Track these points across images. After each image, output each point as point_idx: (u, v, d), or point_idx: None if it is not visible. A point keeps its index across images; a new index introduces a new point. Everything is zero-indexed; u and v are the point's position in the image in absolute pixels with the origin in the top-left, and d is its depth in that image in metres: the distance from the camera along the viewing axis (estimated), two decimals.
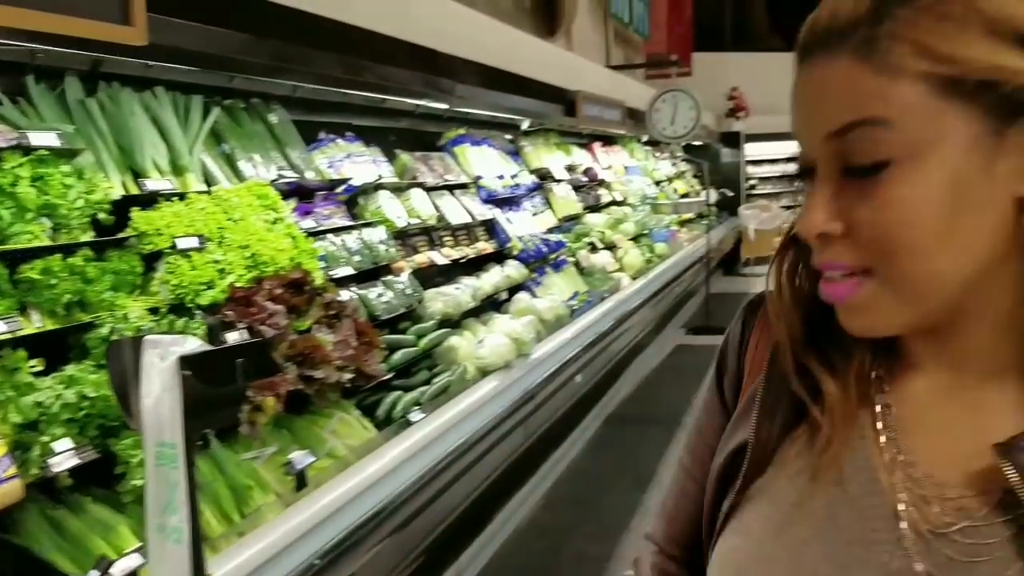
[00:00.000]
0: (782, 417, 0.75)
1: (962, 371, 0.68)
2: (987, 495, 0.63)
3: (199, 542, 1.49)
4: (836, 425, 0.70)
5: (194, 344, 1.51)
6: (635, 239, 6.67)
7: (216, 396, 1.55)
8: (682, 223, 8.72)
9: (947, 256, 0.62)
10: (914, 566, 0.63)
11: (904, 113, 0.60)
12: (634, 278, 6.12)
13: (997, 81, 0.58)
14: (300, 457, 2.39)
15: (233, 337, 2.25)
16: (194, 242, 2.39)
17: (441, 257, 3.82)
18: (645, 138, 8.86)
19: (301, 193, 3.05)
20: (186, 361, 1.44)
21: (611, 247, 6.21)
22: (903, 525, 0.65)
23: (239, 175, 2.83)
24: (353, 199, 3.39)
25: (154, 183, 2.44)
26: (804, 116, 0.66)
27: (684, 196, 9.68)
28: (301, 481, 2.37)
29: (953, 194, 0.60)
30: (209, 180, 2.70)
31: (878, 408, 0.71)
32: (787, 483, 0.73)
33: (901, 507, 0.66)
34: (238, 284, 2.43)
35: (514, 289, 4.42)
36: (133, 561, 1.78)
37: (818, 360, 0.73)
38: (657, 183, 8.42)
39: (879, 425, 0.70)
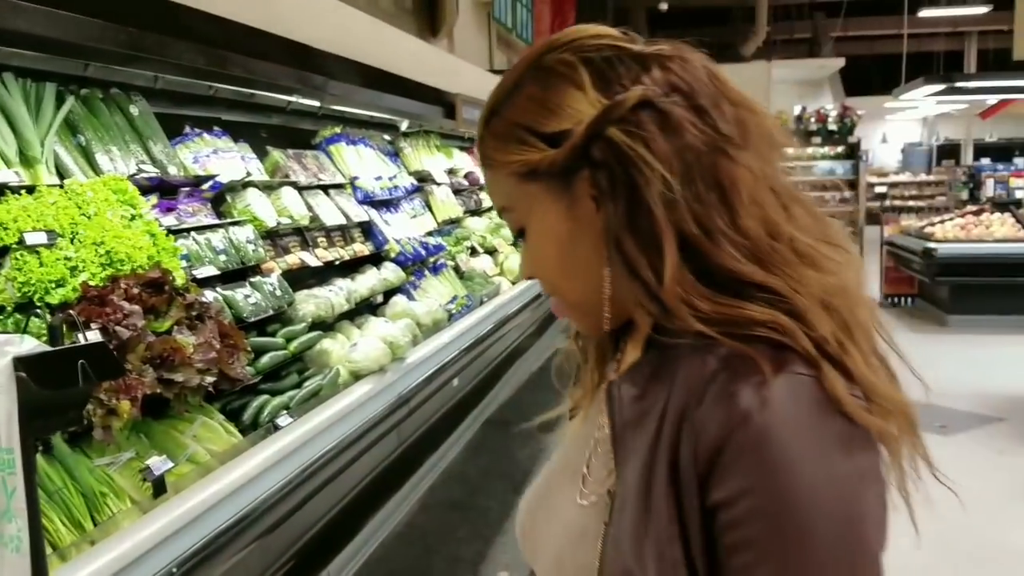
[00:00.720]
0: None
1: (635, 337, 0.91)
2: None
3: (41, 550, 1.42)
4: (591, 379, 0.99)
5: (31, 344, 1.43)
6: (515, 244, 6.72)
7: (56, 399, 1.47)
8: None
9: (577, 282, 0.87)
10: (580, 467, 0.91)
11: (511, 199, 0.88)
12: (514, 283, 6.16)
13: (534, 168, 0.83)
14: (158, 463, 2.30)
15: (81, 338, 2.15)
16: (43, 237, 2.27)
17: (314, 259, 3.74)
18: None
19: (163, 189, 2.93)
20: (21, 362, 1.36)
21: (492, 252, 6.23)
22: (592, 441, 0.92)
23: (96, 168, 2.70)
24: (220, 197, 3.28)
25: (0, 174, 2.31)
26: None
27: None
28: (159, 487, 2.28)
29: (557, 240, 0.86)
30: (62, 173, 2.57)
31: (610, 375, 0.95)
32: (568, 433, 1.01)
33: (596, 434, 0.92)
34: (92, 283, 2.32)
35: (391, 292, 4.38)
36: None
37: (584, 350, 1.01)
38: None
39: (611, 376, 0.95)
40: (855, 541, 0.69)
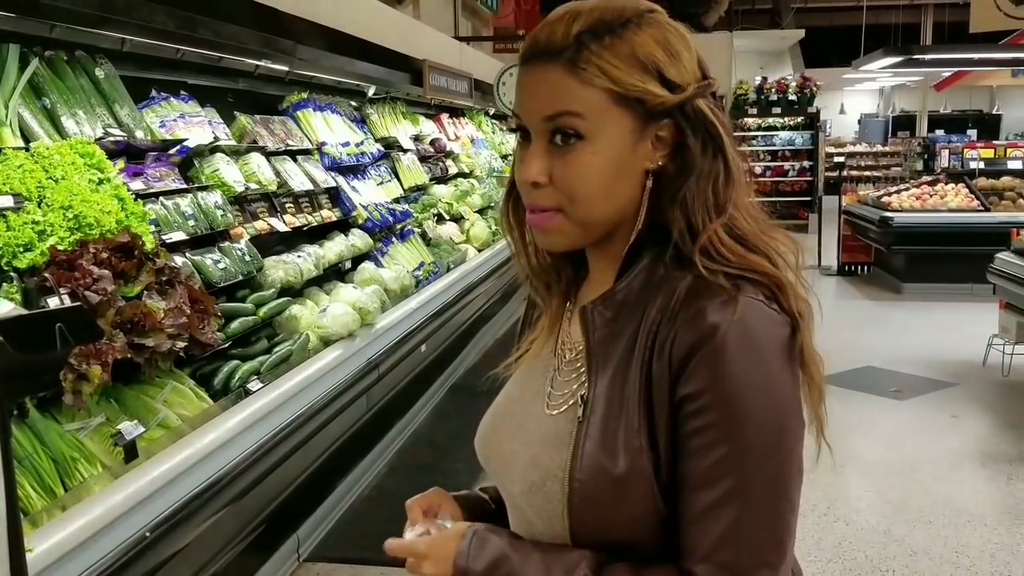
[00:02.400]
0: (535, 321, 1.16)
1: (604, 268, 1.03)
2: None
3: (16, 516, 1.40)
4: (550, 319, 1.10)
5: (7, 308, 1.43)
6: (481, 211, 6.72)
7: (32, 363, 1.46)
8: None
9: (607, 205, 0.96)
10: (542, 387, 1.04)
11: (589, 110, 0.92)
12: (480, 250, 6.17)
13: (644, 99, 0.92)
14: (129, 428, 2.30)
15: (54, 302, 2.13)
16: (9, 201, 2.24)
17: (282, 224, 3.73)
18: (492, 111, 8.91)
19: (130, 153, 2.90)
20: None
21: (458, 219, 6.23)
22: (552, 365, 1.06)
23: (61, 132, 2.66)
24: (188, 162, 3.25)
25: None
26: (526, 101, 0.96)
27: None
28: (131, 452, 2.28)
29: (613, 163, 0.94)
30: (28, 136, 2.53)
31: (567, 306, 1.10)
32: (523, 359, 1.13)
33: (560, 346, 1.07)
34: (60, 247, 2.29)
35: (359, 259, 4.37)
36: None
37: (543, 283, 1.11)
38: (504, 156, 8.48)
39: (567, 316, 1.09)
40: (784, 423, 0.90)
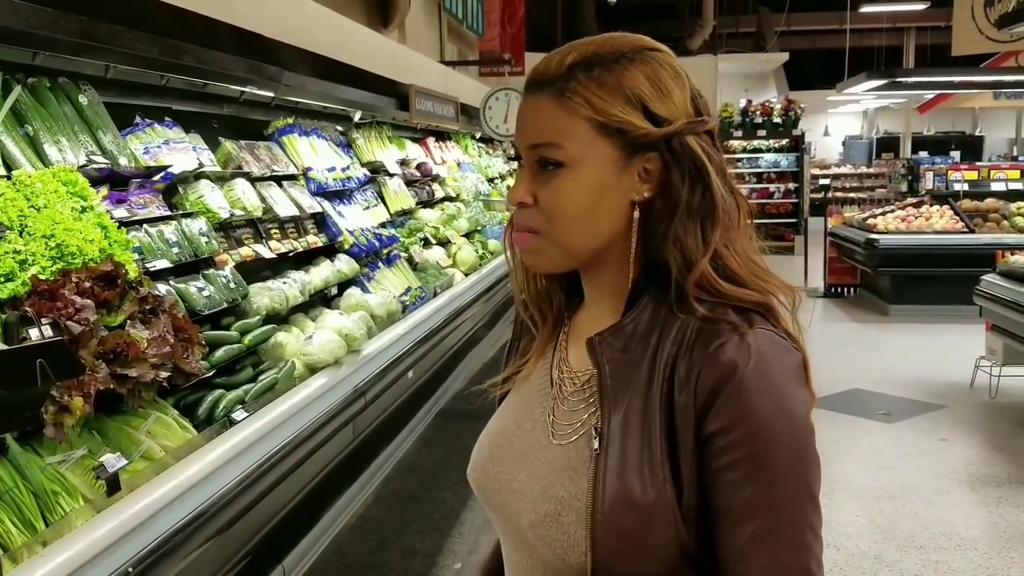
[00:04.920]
0: (523, 346, 1.19)
1: (600, 299, 1.06)
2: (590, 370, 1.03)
3: None
4: (541, 344, 1.13)
5: None
6: (468, 235, 6.71)
7: (12, 400, 1.44)
8: None
9: (586, 230, 0.99)
10: (542, 416, 1.06)
11: (572, 138, 0.96)
12: (467, 274, 6.15)
13: (625, 130, 0.95)
14: (112, 460, 2.25)
15: (36, 334, 2.10)
16: None
17: (268, 250, 3.70)
18: (479, 135, 8.92)
19: (113, 180, 2.87)
20: None
21: (444, 243, 6.21)
22: (550, 394, 1.07)
23: (44, 159, 2.63)
24: (172, 188, 3.22)
25: None
26: (519, 129, 1.02)
27: None
28: (114, 485, 2.24)
29: (595, 191, 0.97)
30: (9, 164, 2.50)
31: (561, 333, 1.12)
32: (515, 384, 1.16)
33: (556, 376, 1.08)
34: (42, 276, 2.26)
35: (345, 284, 4.34)
36: None
37: (536, 306, 1.14)
38: (490, 180, 8.49)
39: (561, 341, 1.11)
40: (806, 446, 0.92)
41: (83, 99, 2.90)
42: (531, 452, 1.04)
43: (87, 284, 2.34)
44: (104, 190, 2.75)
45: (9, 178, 2.41)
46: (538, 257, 1.03)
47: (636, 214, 0.99)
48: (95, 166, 2.75)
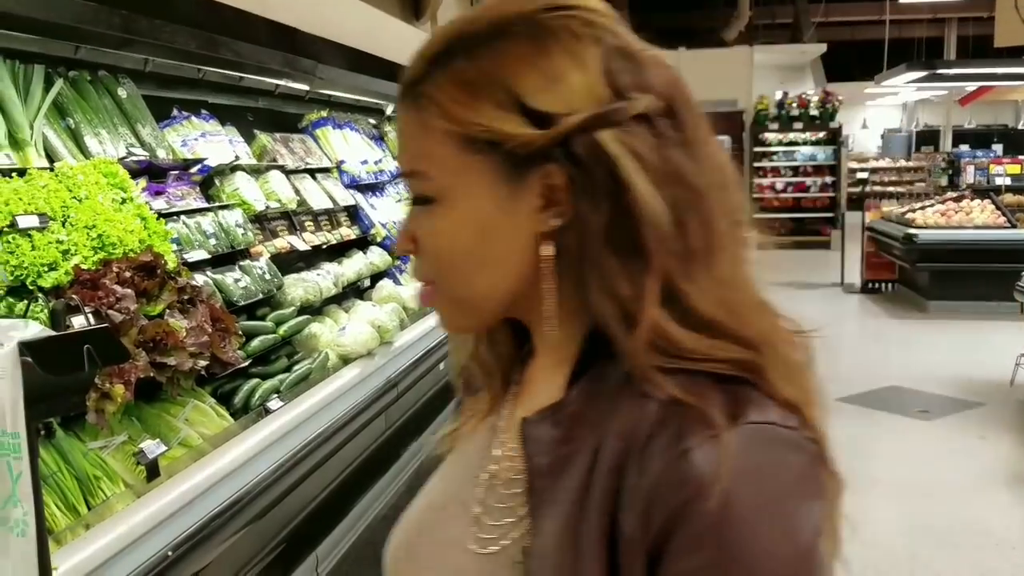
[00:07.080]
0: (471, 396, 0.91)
1: (547, 352, 0.79)
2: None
3: (44, 535, 1.42)
4: (490, 399, 0.86)
5: (36, 329, 1.43)
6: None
7: (60, 384, 1.48)
8: None
9: (482, 277, 0.74)
10: (473, 508, 0.77)
11: (436, 164, 0.72)
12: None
13: (498, 141, 0.68)
14: (152, 446, 2.30)
15: (79, 321, 2.14)
16: (35, 221, 2.25)
17: (302, 242, 3.74)
18: None
19: (152, 172, 2.92)
20: (27, 347, 1.36)
21: None
22: (484, 474, 0.79)
23: (85, 151, 2.68)
24: (208, 180, 3.27)
25: None
26: (398, 154, 0.78)
27: None
28: (153, 471, 2.29)
29: (479, 229, 0.72)
30: (52, 156, 2.55)
31: (512, 387, 0.85)
32: (460, 440, 0.89)
33: (496, 453, 0.80)
34: (84, 266, 2.31)
35: (377, 276, 4.38)
36: None
37: (483, 357, 0.87)
38: None
39: (511, 396, 0.84)
40: None
41: (122, 92, 2.95)
42: (448, 552, 0.77)
43: (127, 274, 2.38)
44: (143, 182, 2.80)
45: (52, 170, 2.46)
46: (446, 316, 0.79)
47: (546, 251, 0.71)
48: (134, 158, 2.80)
